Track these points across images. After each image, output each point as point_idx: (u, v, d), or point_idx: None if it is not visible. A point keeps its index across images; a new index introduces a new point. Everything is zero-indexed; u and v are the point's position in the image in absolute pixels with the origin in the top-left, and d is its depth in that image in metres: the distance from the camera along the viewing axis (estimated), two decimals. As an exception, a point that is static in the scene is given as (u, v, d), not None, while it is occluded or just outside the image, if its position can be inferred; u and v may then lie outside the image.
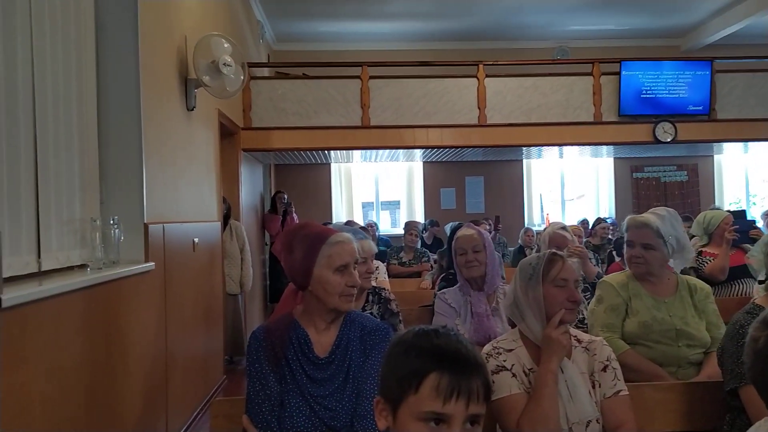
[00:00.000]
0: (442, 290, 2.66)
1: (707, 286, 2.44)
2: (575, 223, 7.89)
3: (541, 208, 9.73)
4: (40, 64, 2.30)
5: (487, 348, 1.79)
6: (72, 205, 2.55)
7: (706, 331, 2.26)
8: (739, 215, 3.98)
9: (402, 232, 6.11)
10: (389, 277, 4.67)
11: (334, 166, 9.26)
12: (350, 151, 7.47)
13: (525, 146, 7.32)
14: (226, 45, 3.90)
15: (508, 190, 9.45)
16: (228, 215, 5.34)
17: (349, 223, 5.65)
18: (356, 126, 6.53)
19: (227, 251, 5.23)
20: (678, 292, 2.33)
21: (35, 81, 2.25)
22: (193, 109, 3.97)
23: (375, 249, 2.54)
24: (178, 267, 3.53)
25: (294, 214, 7.50)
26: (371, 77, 6.59)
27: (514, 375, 1.69)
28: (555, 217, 9.51)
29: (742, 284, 3.69)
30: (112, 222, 2.68)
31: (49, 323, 2.01)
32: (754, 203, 9.79)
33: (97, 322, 2.42)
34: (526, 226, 8.42)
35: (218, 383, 4.51)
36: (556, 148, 7.95)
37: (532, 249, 6.10)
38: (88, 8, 2.81)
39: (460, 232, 2.61)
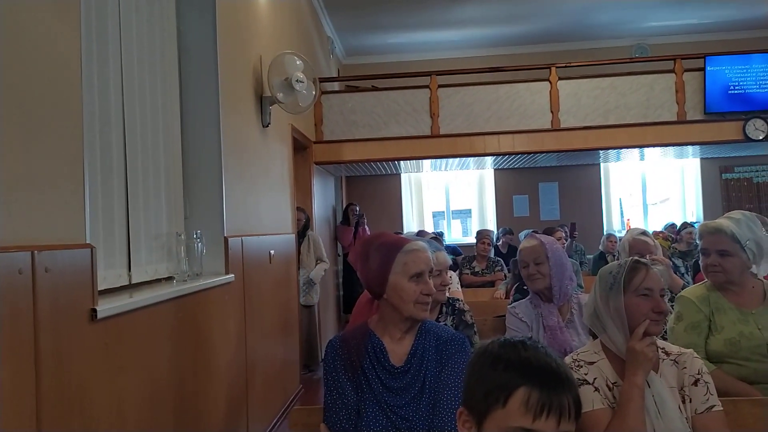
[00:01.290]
0: (513, 305, 2.56)
1: None
2: (661, 228, 7.52)
3: (621, 214, 9.32)
4: (129, 88, 2.46)
5: (566, 360, 1.72)
6: (159, 220, 2.70)
7: None
8: None
9: (474, 240, 6.03)
10: (462, 287, 4.62)
11: (404, 176, 9.30)
12: (420, 161, 7.48)
13: (602, 149, 7.04)
14: (298, 62, 4.02)
15: (584, 195, 9.12)
16: (306, 226, 5.47)
17: (421, 233, 5.64)
18: (426, 135, 6.54)
19: (303, 262, 5.36)
20: (766, 301, 2.16)
21: (125, 104, 2.41)
22: (268, 126, 4.12)
23: (449, 261, 2.52)
24: (256, 278, 3.65)
25: (366, 226, 7.59)
26: (440, 86, 6.59)
27: (596, 389, 1.62)
28: (637, 222, 9.08)
29: None
30: (195, 236, 2.82)
31: (141, 332, 2.13)
32: None
33: (184, 331, 2.54)
34: (607, 232, 8.09)
35: (295, 392, 4.61)
36: (636, 150, 7.60)
37: (614, 256, 5.85)
38: (171, 32, 2.99)
39: (522, 244, 2.52)
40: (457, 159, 7.44)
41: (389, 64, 8.93)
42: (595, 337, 1.76)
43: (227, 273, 3.08)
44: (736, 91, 6.49)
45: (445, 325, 2.44)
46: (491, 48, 9.13)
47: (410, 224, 9.21)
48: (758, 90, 6.47)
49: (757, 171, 8.88)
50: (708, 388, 1.64)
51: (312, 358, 5.33)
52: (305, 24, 6.14)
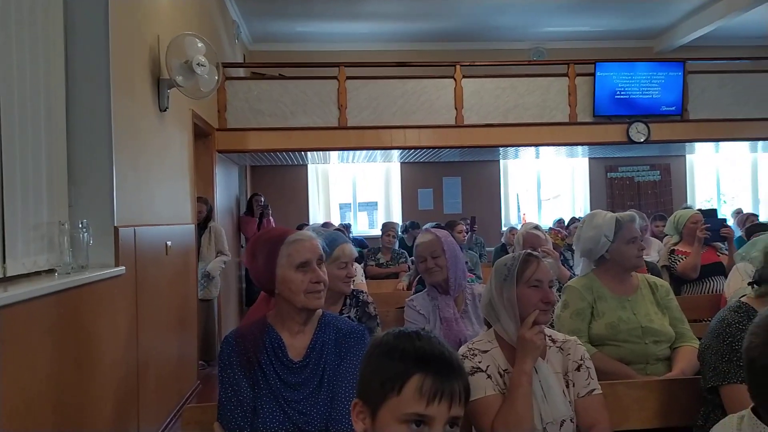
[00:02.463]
0: (411, 298, 2.60)
1: (666, 283, 2.51)
2: (552, 224, 7.99)
3: (518, 208, 9.81)
4: (5, 65, 2.23)
5: (462, 350, 1.78)
6: (39, 209, 2.48)
7: (669, 326, 2.30)
8: (710, 214, 4.04)
9: (380, 233, 6.10)
10: (366, 278, 4.66)
11: (311, 168, 9.22)
12: (327, 152, 7.43)
13: (502, 146, 7.36)
14: (199, 45, 3.84)
15: (485, 190, 9.51)
16: (208, 217, 5.27)
17: (327, 224, 5.62)
18: (333, 127, 6.51)
19: (203, 254, 5.16)
20: (639, 290, 2.37)
21: (-2, 81, 2.19)
22: (166, 110, 3.91)
23: (356, 253, 2.52)
24: (151, 271, 3.47)
25: (271, 217, 7.44)
26: (348, 78, 6.57)
27: (489, 376, 1.69)
28: (531, 216, 9.60)
29: (713, 282, 3.76)
30: (80, 226, 2.62)
31: (17, 330, 1.95)
32: (725, 202, 9.99)
33: (66, 328, 2.36)
34: (509, 225, 8.48)
35: (192, 389, 4.44)
36: (532, 149, 8.02)
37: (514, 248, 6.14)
38: (56, 8, 2.74)
39: (418, 239, 2.56)
40: (365, 151, 7.48)
41: (297, 53, 8.79)
42: (490, 326, 1.84)
43: (117, 265, 2.90)
44: (621, 96, 7.01)
45: (349, 317, 2.44)
46: (400, 43, 9.24)
47: (317, 216, 9.15)
48: (641, 96, 7.03)
49: (638, 171, 9.69)
50: (589, 372, 1.76)
51: (211, 354, 5.16)
52: (208, 5, 5.89)
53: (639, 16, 8.57)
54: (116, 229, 2.91)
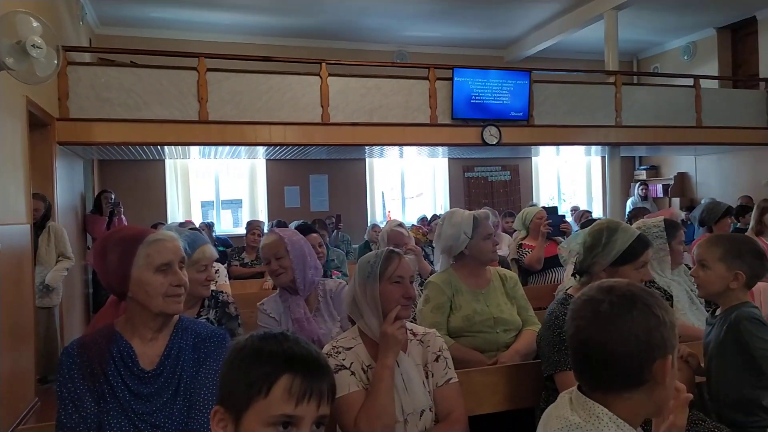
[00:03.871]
0: (262, 302, 2.51)
1: (515, 274, 2.74)
2: (415, 221, 8.31)
3: (383, 206, 10.06)
4: None
5: (327, 348, 1.78)
6: None
7: (517, 315, 2.51)
8: (552, 211, 4.45)
9: (245, 231, 5.91)
10: (230, 278, 4.49)
11: (168, 163, 8.69)
12: (187, 147, 7.05)
13: (367, 145, 7.49)
14: (35, 24, 3.43)
15: (352, 188, 9.63)
16: (47, 216, 4.73)
17: (185, 224, 5.33)
18: (193, 120, 6.18)
19: (41, 258, 4.64)
20: (492, 283, 2.55)
21: None
22: (-8, 95, 3.45)
23: (216, 254, 2.40)
24: (-25, 277, 3.04)
25: (123, 215, 6.90)
26: (209, 69, 6.28)
27: (353, 373, 1.70)
28: (396, 214, 9.91)
29: (555, 272, 4.15)
30: None
31: None
32: (565, 200, 11.08)
33: None
34: (371, 222, 8.65)
35: (29, 407, 3.98)
36: (396, 148, 8.27)
37: (377, 245, 6.27)
38: None
39: (262, 241, 2.50)
40: (228, 147, 7.20)
41: (152, 40, 8.23)
42: (354, 323, 1.85)
43: (-70, 272, 2.50)
44: (476, 101, 7.47)
45: (207, 319, 2.33)
46: (265, 37, 9.03)
47: (176, 215, 8.65)
48: (494, 101, 7.55)
49: (491, 171, 10.41)
50: (447, 363, 1.85)
51: (51, 368, 4.65)
52: (47, -19, 5.29)
53: (491, 26, 9.19)
54: (-73, 231, 2.51)
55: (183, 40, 8.45)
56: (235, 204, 9.58)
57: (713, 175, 9.89)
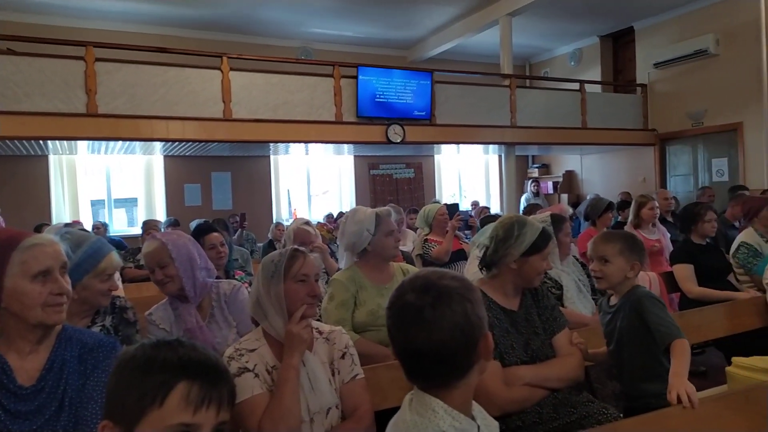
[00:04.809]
0: (149, 311, 2.31)
1: (417, 269, 2.79)
2: (322, 218, 8.28)
3: (289, 203, 9.94)
4: None
5: (229, 351, 1.73)
6: None
7: None
8: (453, 208, 4.61)
9: (140, 231, 5.61)
10: (124, 281, 4.25)
11: (53, 158, 8.04)
12: (74, 142, 6.57)
13: (272, 142, 7.37)
14: None
15: (256, 185, 9.42)
16: None
17: (72, 224, 4.98)
18: (80, 114, 5.77)
19: None
20: (395, 278, 2.61)
21: None
22: None
23: (121, 263, 2.22)
24: None
25: None
26: (98, 59, 5.88)
27: (256, 375, 1.67)
28: (302, 212, 9.82)
29: (457, 267, 4.30)
30: None
31: None
32: (465, 196, 11.50)
33: None
34: (280, 220, 8.51)
35: None
36: (302, 145, 8.20)
37: (282, 243, 6.17)
38: None
39: (143, 249, 2.31)
40: (120, 142, 6.79)
41: (34, 26, 7.57)
42: (257, 324, 1.82)
43: None
44: (381, 100, 7.57)
45: (103, 326, 2.19)
46: (160, 27, 8.60)
47: (62, 215, 8.03)
48: (397, 101, 7.68)
49: (396, 169, 10.60)
50: (353, 359, 1.86)
51: None
52: None
53: (395, 27, 9.35)
54: None
55: (69, 27, 7.85)
56: (129, 203, 9.06)
57: (597, 172, 10.69)
